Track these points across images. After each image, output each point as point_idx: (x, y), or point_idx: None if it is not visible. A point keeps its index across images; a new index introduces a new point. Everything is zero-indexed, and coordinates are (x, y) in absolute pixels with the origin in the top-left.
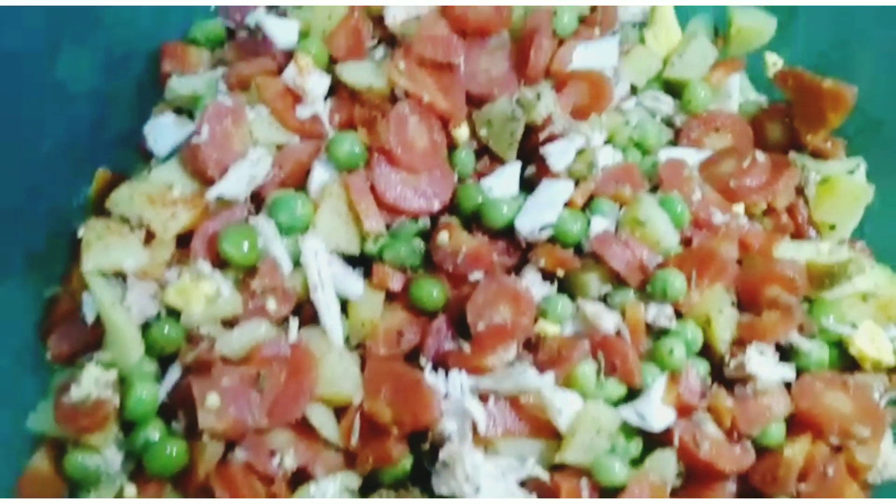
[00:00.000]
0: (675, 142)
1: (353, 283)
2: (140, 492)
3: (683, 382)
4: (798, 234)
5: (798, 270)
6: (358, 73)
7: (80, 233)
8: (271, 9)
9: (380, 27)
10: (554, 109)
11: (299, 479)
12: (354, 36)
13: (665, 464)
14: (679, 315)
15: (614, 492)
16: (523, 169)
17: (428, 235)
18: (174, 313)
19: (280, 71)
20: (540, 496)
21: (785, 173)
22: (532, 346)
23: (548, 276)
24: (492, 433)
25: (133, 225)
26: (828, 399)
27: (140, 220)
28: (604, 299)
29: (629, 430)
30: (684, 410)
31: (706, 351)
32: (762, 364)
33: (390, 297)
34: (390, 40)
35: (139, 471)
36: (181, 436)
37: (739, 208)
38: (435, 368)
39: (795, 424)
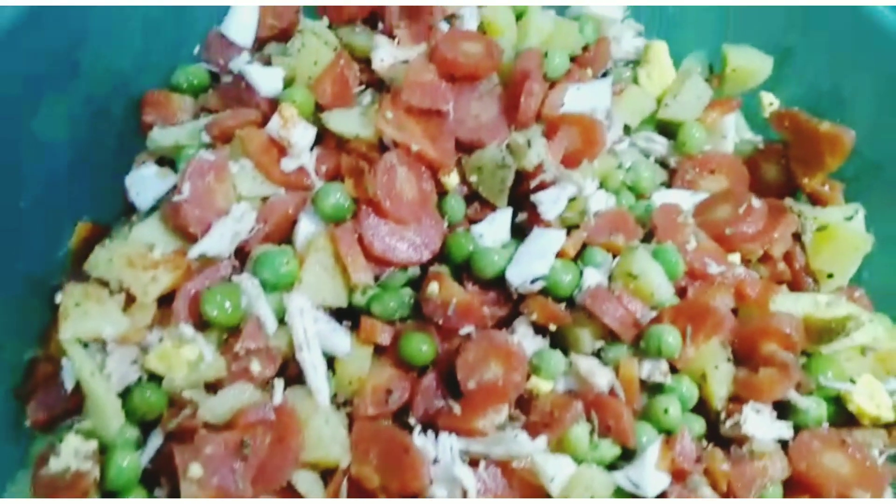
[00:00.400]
0: (669, 183)
1: (340, 339)
2: None
3: (678, 447)
4: (795, 282)
5: (795, 325)
6: (345, 122)
7: (58, 299)
8: (256, 53)
9: (367, 71)
10: (545, 157)
11: None
12: (341, 83)
13: None
14: (674, 370)
15: None
16: (515, 214)
17: (418, 284)
18: (156, 378)
19: (264, 121)
20: None
21: (782, 221)
22: (524, 402)
23: (540, 329)
24: (482, 499)
25: (112, 289)
26: (826, 460)
27: (119, 284)
28: (597, 354)
29: (623, 494)
30: (679, 475)
31: (701, 406)
32: (759, 424)
33: (379, 350)
34: (378, 84)
35: None
36: None
37: (735, 258)
38: (424, 429)
39: (793, 485)
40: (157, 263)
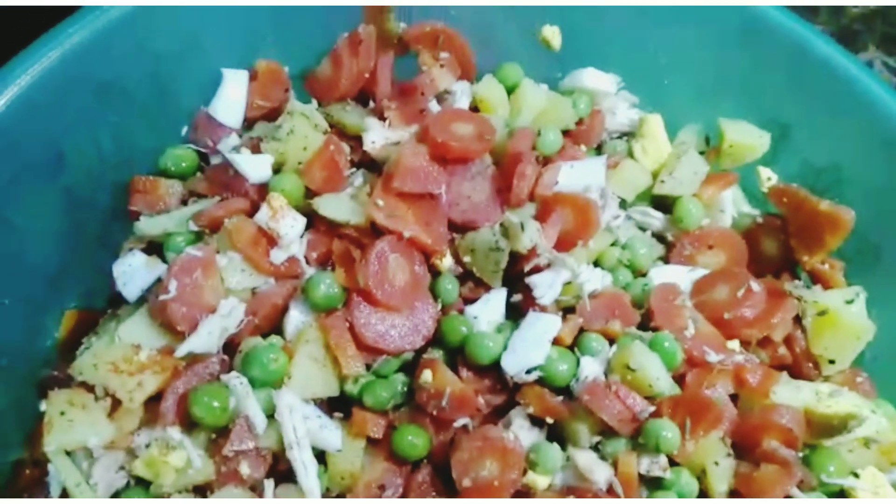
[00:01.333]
0: (666, 258)
1: (332, 435)
2: None
3: None
4: (796, 367)
5: (797, 420)
6: (335, 208)
7: (42, 407)
8: (245, 132)
9: (358, 149)
10: (539, 241)
11: None
12: (331, 168)
13: None
14: (673, 463)
15: None
16: (510, 294)
17: (412, 367)
18: (144, 482)
19: (253, 209)
20: None
21: (782, 305)
22: (521, 495)
23: (537, 420)
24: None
25: (97, 395)
26: None
27: (105, 390)
28: (595, 447)
29: None
30: None
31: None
32: None
33: (372, 441)
34: (369, 164)
35: None
36: None
37: (734, 344)
38: None
39: None
40: (144, 367)
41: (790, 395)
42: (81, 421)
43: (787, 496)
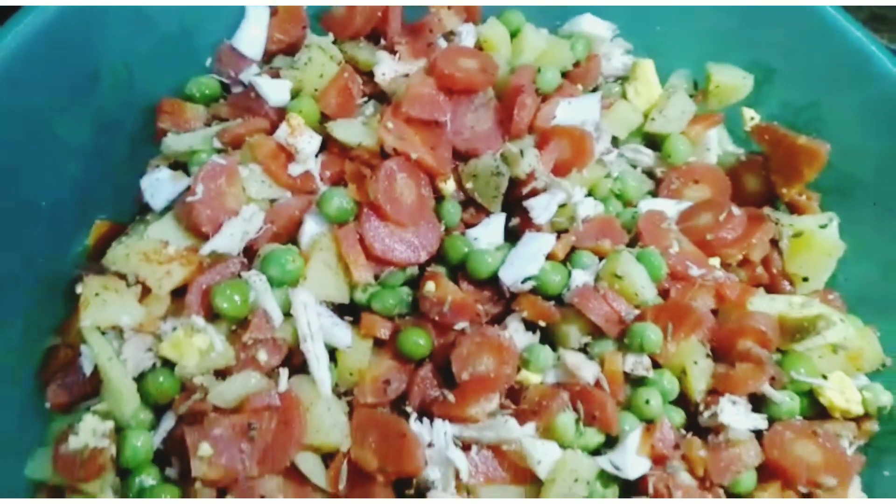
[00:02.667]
0: (655, 193)
1: (342, 333)
2: None
3: (658, 434)
4: (773, 285)
5: (770, 324)
6: (348, 131)
7: (79, 289)
8: (265, 65)
9: (369, 83)
10: (537, 166)
11: None
12: (345, 94)
13: None
14: (656, 365)
15: None
16: (508, 219)
17: (415, 283)
18: (169, 364)
19: (273, 129)
20: None
21: (760, 227)
22: (514, 393)
23: (530, 325)
24: (474, 481)
25: (129, 282)
26: (797, 448)
27: (136, 277)
28: (584, 349)
29: (606, 478)
30: (659, 460)
31: (682, 399)
32: (735, 414)
33: (378, 343)
34: (380, 96)
35: None
36: (175, 482)
37: (715, 261)
38: (420, 417)
39: (766, 472)
40: (172, 259)
41: (766, 305)
42: (114, 302)
43: (760, 393)
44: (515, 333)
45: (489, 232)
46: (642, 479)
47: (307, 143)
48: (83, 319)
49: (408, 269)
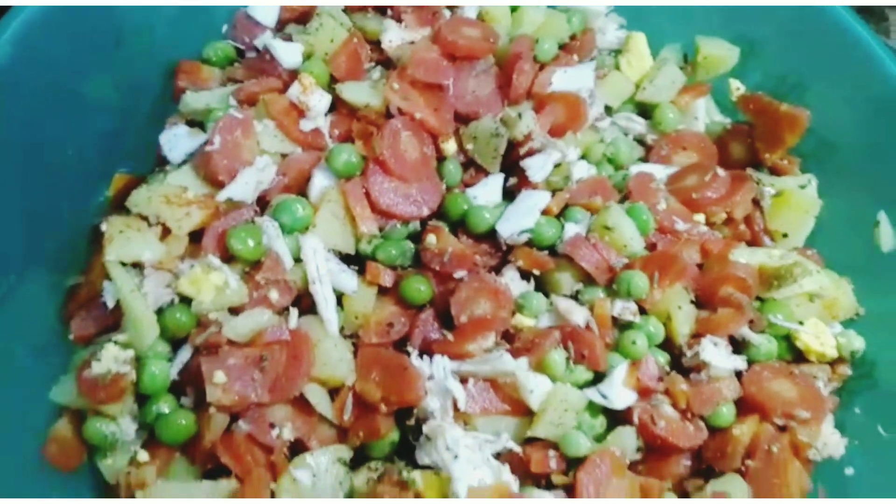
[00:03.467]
0: (645, 159)
1: (348, 278)
2: (152, 458)
3: (643, 368)
4: (754, 242)
5: (750, 272)
6: (356, 92)
7: (103, 227)
8: (278, 32)
9: (376, 50)
10: (534, 127)
11: (296, 450)
12: (353, 58)
13: (626, 439)
14: (643, 311)
15: (579, 462)
16: (506, 180)
17: (417, 238)
18: (186, 301)
19: (285, 88)
20: (512, 467)
21: (743, 187)
22: (509, 336)
23: (525, 274)
24: (471, 410)
25: (151, 222)
26: (774, 385)
27: (157, 218)
28: (575, 296)
29: (594, 409)
30: (644, 392)
31: (667, 344)
32: (716, 353)
33: (382, 291)
34: (386, 63)
35: (151, 440)
36: (190, 409)
37: (700, 218)
38: (420, 355)
39: (744, 407)
40: (191, 202)
41: (747, 256)
42: (137, 239)
43: (740, 337)
44: (511, 282)
45: (488, 191)
46: (628, 411)
47: (318, 101)
48: (108, 254)
49: (410, 224)
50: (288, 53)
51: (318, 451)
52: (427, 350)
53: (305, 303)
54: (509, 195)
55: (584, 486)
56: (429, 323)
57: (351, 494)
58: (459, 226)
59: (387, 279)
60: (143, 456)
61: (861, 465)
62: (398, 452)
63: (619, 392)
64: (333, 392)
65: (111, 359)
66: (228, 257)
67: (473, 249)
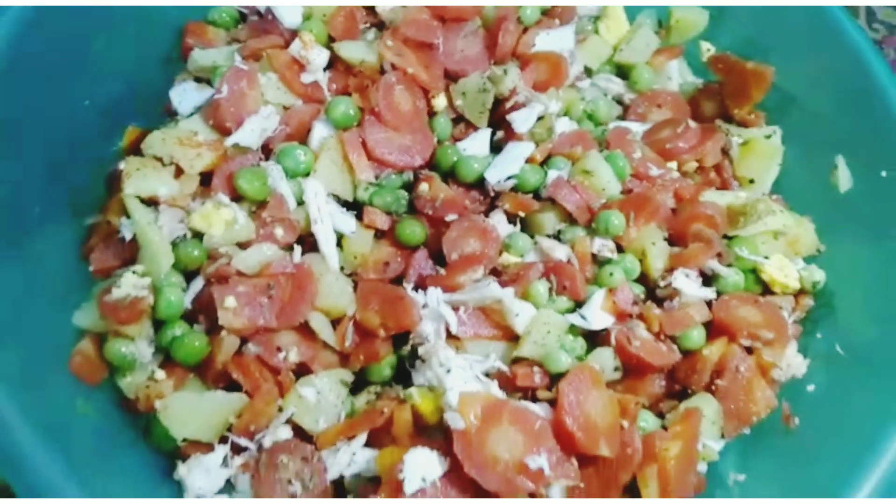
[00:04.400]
0: (623, 117)
1: (347, 220)
2: (168, 376)
3: (619, 295)
4: (723, 188)
5: (718, 210)
6: (353, 50)
7: (121, 165)
8: None
9: (371, 14)
10: (518, 83)
11: (301, 372)
12: (350, 19)
13: (604, 358)
14: (620, 249)
15: (560, 377)
16: (493, 134)
17: (411, 187)
18: (198, 235)
19: (287, 45)
20: (500, 384)
21: (712, 136)
22: (497, 273)
23: (511, 218)
24: (462, 334)
25: (165, 162)
26: (741, 311)
27: (171, 158)
28: (557, 236)
29: (575, 332)
30: (620, 317)
31: (643, 280)
32: (687, 283)
33: (378, 235)
34: (380, 26)
35: (167, 361)
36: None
37: (673, 165)
38: (415, 289)
39: (713, 331)
40: (202, 145)
41: (716, 197)
42: (153, 176)
43: (711, 271)
44: (498, 224)
45: (476, 144)
46: (606, 333)
47: (317, 55)
48: (126, 188)
49: (404, 175)
50: (289, 14)
51: (321, 374)
52: (421, 285)
53: (308, 242)
54: (496, 148)
55: (565, 395)
56: (423, 261)
57: (352, 414)
58: (450, 176)
59: (383, 223)
60: (160, 374)
61: (821, 381)
62: (395, 379)
63: (597, 315)
64: (335, 323)
65: (130, 285)
66: (236, 197)
67: (463, 196)
